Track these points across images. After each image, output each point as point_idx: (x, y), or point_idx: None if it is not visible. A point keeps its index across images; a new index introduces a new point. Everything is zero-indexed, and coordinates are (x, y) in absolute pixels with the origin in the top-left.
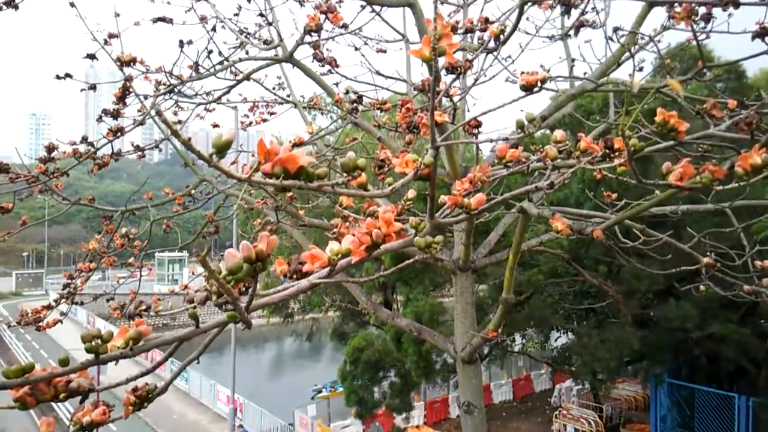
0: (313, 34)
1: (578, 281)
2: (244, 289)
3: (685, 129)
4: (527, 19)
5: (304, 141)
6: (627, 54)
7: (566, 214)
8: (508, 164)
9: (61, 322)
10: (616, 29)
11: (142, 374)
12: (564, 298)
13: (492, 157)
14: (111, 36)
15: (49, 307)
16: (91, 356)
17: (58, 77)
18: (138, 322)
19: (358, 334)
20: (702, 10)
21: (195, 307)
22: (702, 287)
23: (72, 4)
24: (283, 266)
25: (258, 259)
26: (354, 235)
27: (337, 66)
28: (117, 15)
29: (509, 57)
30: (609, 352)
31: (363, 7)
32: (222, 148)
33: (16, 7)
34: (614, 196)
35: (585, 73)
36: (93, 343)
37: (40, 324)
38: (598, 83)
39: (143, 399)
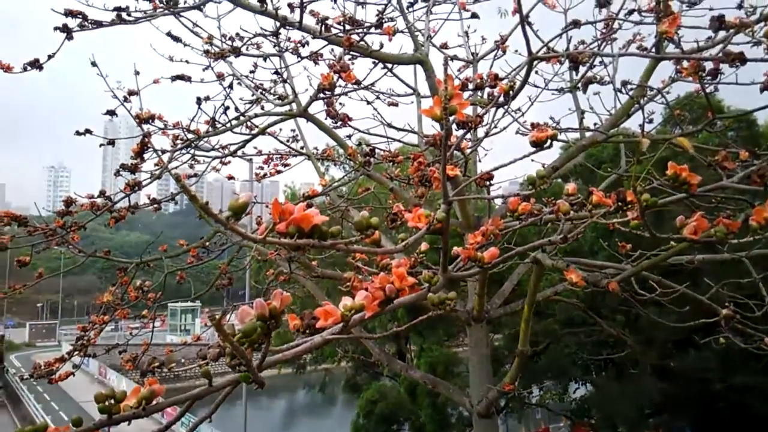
0: (326, 92)
1: (595, 331)
2: (257, 345)
3: (697, 182)
4: (536, 72)
5: (318, 193)
6: (636, 105)
7: (580, 265)
8: (521, 217)
9: (74, 375)
10: (624, 83)
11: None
12: (581, 348)
13: (504, 208)
14: (131, 93)
15: (62, 360)
16: (104, 416)
17: (78, 133)
18: (151, 380)
19: (371, 386)
20: (709, 65)
21: (208, 364)
22: (722, 339)
23: (93, 64)
24: (296, 321)
25: (272, 316)
26: (367, 289)
27: (350, 120)
28: (137, 73)
29: (519, 110)
30: (629, 404)
31: (375, 64)
32: (238, 211)
33: (40, 67)
34: (629, 246)
35: (595, 125)
36: (106, 403)
37: (53, 377)
38: (609, 134)
39: None
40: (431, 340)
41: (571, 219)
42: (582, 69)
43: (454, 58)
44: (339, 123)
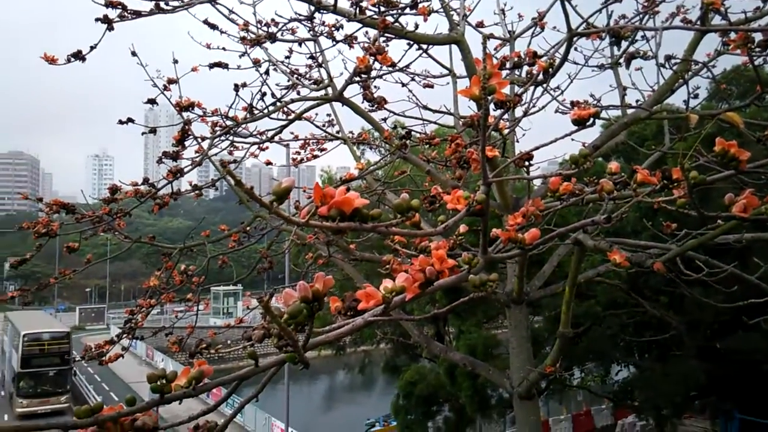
0: (362, 75)
1: (638, 312)
2: (301, 327)
3: (746, 158)
4: (576, 49)
5: (354, 177)
6: (680, 81)
7: (623, 245)
8: (562, 197)
9: (122, 357)
10: (668, 58)
11: (204, 413)
12: (624, 330)
13: (543, 189)
14: (170, 82)
15: (111, 342)
16: (156, 395)
17: (120, 122)
18: (199, 362)
19: (410, 367)
20: (758, 36)
21: (253, 346)
22: None
23: (134, 53)
24: (338, 304)
25: (315, 298)
26: (407, 272)
27: (386, 103)
28: (175, 62)
29: (558, 88)
30: (673, 386)
31: (410, 46)
32: (282, 195)
33: (83, 59)
34: (674, 226)
35: (638, 101)
36: (158, 383)
37: (103, 358)
38: (652, 111)
39: None
40: (470, 322)
41: (614, 198)
42: (624, 44)
43: (491, 36)
44: (375, 106)
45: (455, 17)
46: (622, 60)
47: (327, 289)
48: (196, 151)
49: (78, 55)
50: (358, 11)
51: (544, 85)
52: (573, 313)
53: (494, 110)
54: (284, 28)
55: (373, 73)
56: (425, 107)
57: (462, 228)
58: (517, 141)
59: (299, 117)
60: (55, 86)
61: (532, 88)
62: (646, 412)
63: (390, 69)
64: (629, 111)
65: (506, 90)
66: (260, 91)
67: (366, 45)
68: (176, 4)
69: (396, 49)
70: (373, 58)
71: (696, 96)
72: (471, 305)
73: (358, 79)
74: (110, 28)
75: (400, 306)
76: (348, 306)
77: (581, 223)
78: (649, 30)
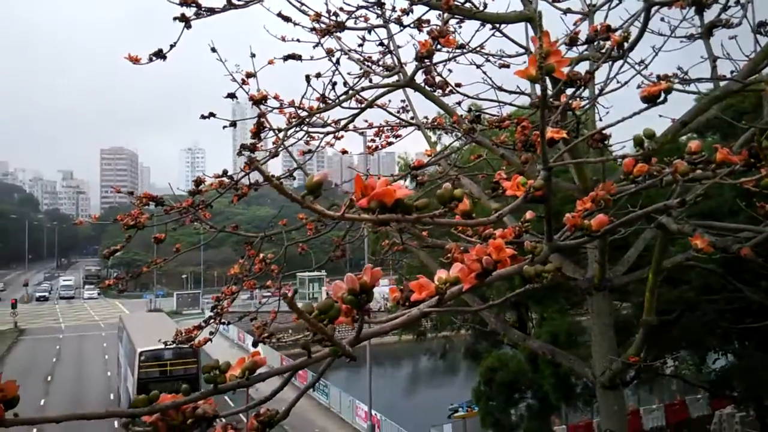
0: (425, 59)
1: (737, 297)
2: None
3: None
4: (662, 19)
5: (423, 163)
6: None
7: (712, 228)
8: (636, 180)
9: (211, 341)
10: (762, 24)
11: (260, 402)
12: (721, 317)
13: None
14: (248, 76)
15: (199, 327)
16: (210, 386)
17: (203, 117)
18: (254, 352)
19: (491, 353)
20: None
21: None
22: None
23: (213, 49)
24: (396, 294)
25: (362, 290)
26: (463, 261)
27: (449, 88)
28: (253, 56)
29: (642, 62)
30: None
31: (483, 25)
32: (314, 189)
33: (164, 57)
34: None
35: (732, 72)
36: (212, 374)
37: (192, 342)
38: (745, 83)
39: (265, 424)
40: (553, 308)
41: (689, 180)
42: (713, 11)
43: (568, 11)
44: (437, 90)
45: None
46: (703, 30)
47: (375, 282)
48: (273, 143)
49: (159, 54)
50: None
51: (623, 59)
52: (664, 299)
53: (564, 89)
54: (355, 16)
55: (444, 57)
56: (500, 88)
57: (528, 214)
58: (600, 120)
59: (371, 105)
60: (152, 83)
61: (610, 63)
62: (746, 403)
63: (461, 51)
64: (721, 83)
65: (583, 67)
66: (331, 80)
67: (433, 28)
68: None
69: (469, 30)
70: (436, 41)
71: None
72: (552, 291)
73: (421, 63)
74: (188, 26)
75: (475, 292)
76: (404, 297)
77: (653, 207)
78: None
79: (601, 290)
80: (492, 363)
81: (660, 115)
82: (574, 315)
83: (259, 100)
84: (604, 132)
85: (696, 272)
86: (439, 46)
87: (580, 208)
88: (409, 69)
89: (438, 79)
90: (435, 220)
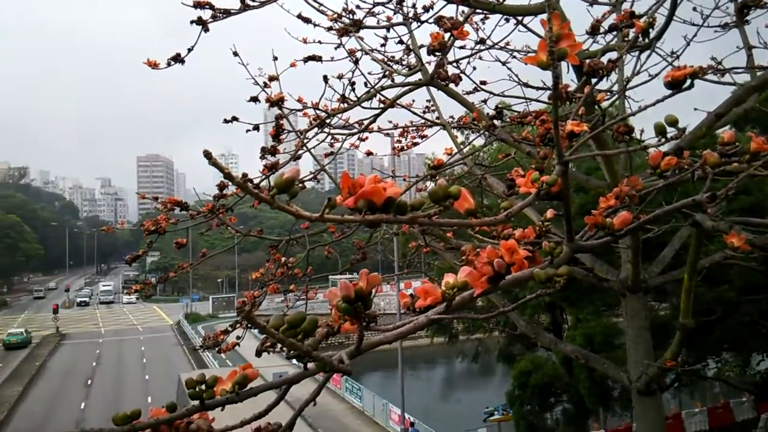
0: (437, 53)
1: None
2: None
3: None
4: (694, 9)
5: (443, 162)
6: None
7: (750, 225)
8: (664, 174)
9: (238, 345)
10: None
11: (255, 417)
12: (765, 317)
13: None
14: (271, 79)
15: (225, 332)
16: (196, 402)
17: (226, 121)
18: (245, 365)
19: (525, 356)
20: None
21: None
22: None
23: (235, 53)
24: (407, 299)
25: (358, 297)
26: (473, 265)
27: (473, 85)
28: (275, 59)
29: (673, 53)
30: None
31: (507, 20)
32: (284, 187)
33: (182, 61)
34: None
35: None
36: (197, 389)
37: (220, 347)
38: None
39: None
40: (587, 310)
41: (720, 173)
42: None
43: (594, 2)
44: (450, 83)
45: None
46: (735, 11)
47: (372, 287)
48: (296, 145)
49: (177, 59)
50: None
51: (650, 49)
52: (703, 299)
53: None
54: (372, 13)
55: (466, 53)
56: (527, 85)
57: (549, 213)
58: (633, 115)
59: (392, 104)
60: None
61: (637, 54)
62: None
63: (483, 47)
64: (758, 73)
65: (610, 57)
66: (350, 81)
67: (446, 20)
68: None
69: (491, 25)
70: (448, 33)
71: None
72: (585, 293)
73: (434, 57)
74: (206, 30)
75: (501, 295)
76: (411, 303)
77: (681, 203)
78: None
79: (635, 292)
80: (525, 366)
81: (695, 108)
82: (610, 317)
83: (276, 102)
84: (628, 124)
85: (736, 271)
86: (452, 39)
87: (602, 206)
88: (431, 68)
89: (452, 72)
90: (432, 220)
